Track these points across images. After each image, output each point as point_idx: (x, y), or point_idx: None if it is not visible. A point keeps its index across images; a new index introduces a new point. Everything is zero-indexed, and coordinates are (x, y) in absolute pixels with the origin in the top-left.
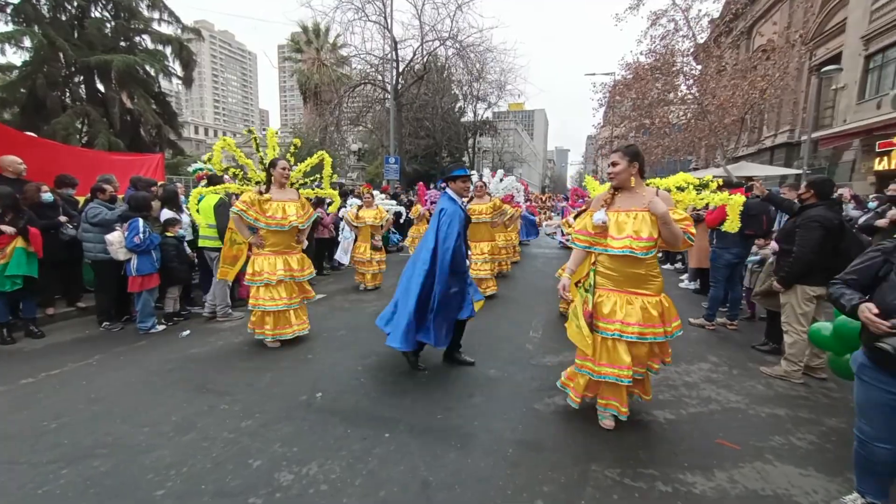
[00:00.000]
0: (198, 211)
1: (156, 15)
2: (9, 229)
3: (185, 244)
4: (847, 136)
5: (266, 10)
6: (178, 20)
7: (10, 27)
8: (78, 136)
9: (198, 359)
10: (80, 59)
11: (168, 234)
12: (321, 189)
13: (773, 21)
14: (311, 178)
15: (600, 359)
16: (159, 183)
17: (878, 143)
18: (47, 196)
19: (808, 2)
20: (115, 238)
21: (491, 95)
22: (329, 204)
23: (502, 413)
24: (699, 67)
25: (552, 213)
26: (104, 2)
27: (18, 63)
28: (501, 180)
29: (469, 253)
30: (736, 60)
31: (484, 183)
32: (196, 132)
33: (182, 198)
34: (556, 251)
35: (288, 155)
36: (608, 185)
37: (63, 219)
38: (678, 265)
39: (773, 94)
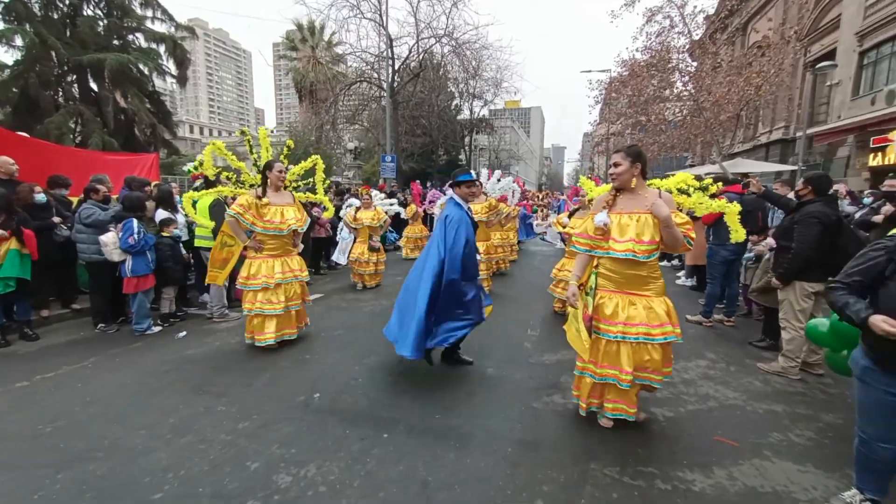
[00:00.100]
0: (194, 209)
1: (149, 13)
2: (1, 232)
3: (181, 244)
4: (842, 132)
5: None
6: (171, 18)
7: (2, 26)
8: (71, 136)
9: (194, 360)
10: (72, 57)
11: (163, 234)
12: (313, 194)
13: (768, 17)
14: (305, 182)
15: (602, 361)
16: (154, 183)
17: (872, 138)
18: (40, 197)
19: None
20: (110, 239)
21: (487, 93)
22: (324, 210)
23: (501, 412)
24: (695, 64)
25: (549, 212)
26: (96, 0)
27: (10, 62)
28: (499, 180)
29: (480, 258)
30: (731, 57)
31: (481, 183)
32: (191, 131)
33: (177, 197)
34: (554, 250)
35: (281, 157)
36: (607, 186)
37: (56, 220)
38: (675, 262)
39: (769, 91)
